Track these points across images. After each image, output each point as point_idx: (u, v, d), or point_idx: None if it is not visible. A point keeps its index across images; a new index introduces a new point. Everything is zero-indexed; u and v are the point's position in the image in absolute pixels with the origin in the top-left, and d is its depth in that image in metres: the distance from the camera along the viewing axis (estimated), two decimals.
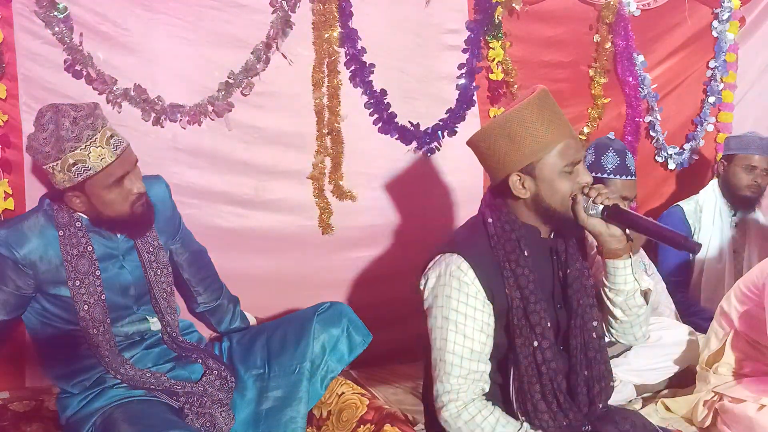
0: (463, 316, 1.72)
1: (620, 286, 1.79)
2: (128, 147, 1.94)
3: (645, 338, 1.94)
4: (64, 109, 1.85)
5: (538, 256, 1.77)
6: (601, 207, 1.69)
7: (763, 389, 2.40)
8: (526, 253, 1.74)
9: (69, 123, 1.83)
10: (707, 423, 2.52)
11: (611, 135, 2.90)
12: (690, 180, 3.87)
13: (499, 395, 1.81)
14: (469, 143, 1.83)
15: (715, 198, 3.39)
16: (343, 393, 2.28)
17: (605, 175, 2.65)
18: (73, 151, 1.82)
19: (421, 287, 1.82)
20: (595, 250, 1.89)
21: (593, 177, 2.61)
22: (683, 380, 2.83)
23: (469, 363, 1.73)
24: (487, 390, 1.77)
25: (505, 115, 1.74)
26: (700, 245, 1.69)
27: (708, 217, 3.36)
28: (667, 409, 2.66)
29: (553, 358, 1.74)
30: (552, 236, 1.82)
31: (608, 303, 1.83)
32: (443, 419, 1.75)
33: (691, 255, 3.32)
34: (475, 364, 1.74)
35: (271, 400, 2.18)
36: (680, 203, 3.46)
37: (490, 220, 1.78)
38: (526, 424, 1.74)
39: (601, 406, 1.83)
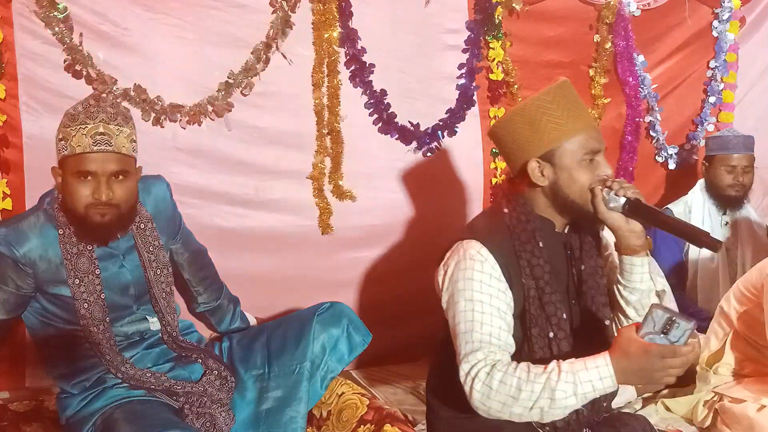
0: (488, 296, 1.65)
1: (636, 284, 1.75)
2: (113, 154, 1.85)
3: None
4: (95, 95, 1.91)
5: (552, 249, 1.76)
6: (623, 200, 1.65)
7: (763, 389, 2.40)
8: (540, 245, 1.72)
9: (81, 105, 1.87)
10: (707, 423, 2.52)
11: None
12: (690, 180, 3.85)
13: None
14: (490, 132, 1.85)
15: (703, 199, 3.38)
16: (343, 393, 2.27)
17: None
18: (66, 127, 1.85)
19: (440, 278, 1.76)
20: (610, 249, 1.87)
21: None
22: (683, 380, 2.83)
23: (498, 338, 1.63)
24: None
25: (525, 102, 1.74)
26: (720, 242, 1.66)
27: (697, 217, 3.35)
28: (667, 409, 2.65)
29: (569, 349, 1.71)
30: (566, 231, 1.81)
31: (622, 302, 1.79)
32: (476, 399, 1.57)
33: (684, 256, 3.33)
34: (506, 335, 1.64)
35: (271, 400, 2.17)
36: (669, 205, 3.45)
37: (505, 210, 1.76)
38: (553, 363, 1.57)
39: (605, 404, 1.81)
